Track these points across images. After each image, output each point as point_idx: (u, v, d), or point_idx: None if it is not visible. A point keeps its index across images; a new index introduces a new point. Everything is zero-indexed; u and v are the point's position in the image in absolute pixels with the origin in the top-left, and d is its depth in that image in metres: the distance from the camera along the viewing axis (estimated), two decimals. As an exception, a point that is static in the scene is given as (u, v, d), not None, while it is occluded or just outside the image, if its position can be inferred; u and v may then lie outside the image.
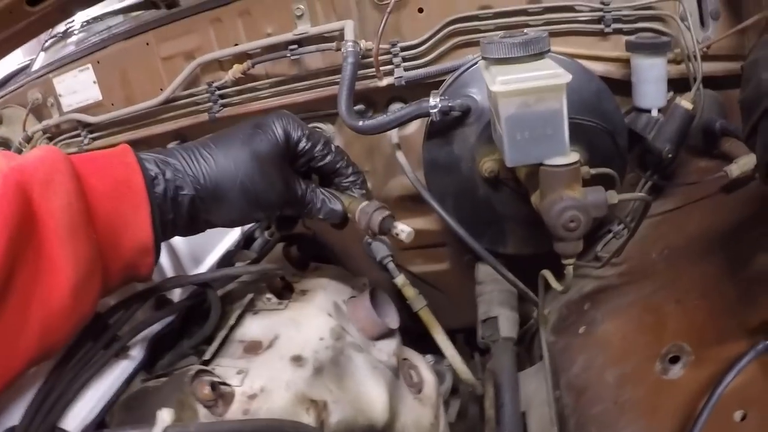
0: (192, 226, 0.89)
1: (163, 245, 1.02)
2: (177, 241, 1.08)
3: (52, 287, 0.66)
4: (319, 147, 0.96)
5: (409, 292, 1.29)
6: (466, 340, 1.79)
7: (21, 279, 0.64)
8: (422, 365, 1.26)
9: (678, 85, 1.23)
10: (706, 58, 1.21)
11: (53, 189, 0.67)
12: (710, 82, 1.23)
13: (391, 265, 1.30)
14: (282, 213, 0.96)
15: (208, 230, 1.14)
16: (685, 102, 1.19)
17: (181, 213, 0.84)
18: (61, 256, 0.67)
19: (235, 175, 0.86)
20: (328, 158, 0.97)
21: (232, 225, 0.92)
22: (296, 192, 0.94)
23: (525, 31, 0.98)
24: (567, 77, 0.84)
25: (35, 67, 1.93)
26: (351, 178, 1.00)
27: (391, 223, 0.98)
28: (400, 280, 1.30)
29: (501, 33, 1.00)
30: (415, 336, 1.55)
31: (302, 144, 0.94)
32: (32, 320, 0.65)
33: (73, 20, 2.01)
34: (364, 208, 0.97)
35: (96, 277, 0.73)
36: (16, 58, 2.71)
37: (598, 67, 1.22)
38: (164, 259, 1.04)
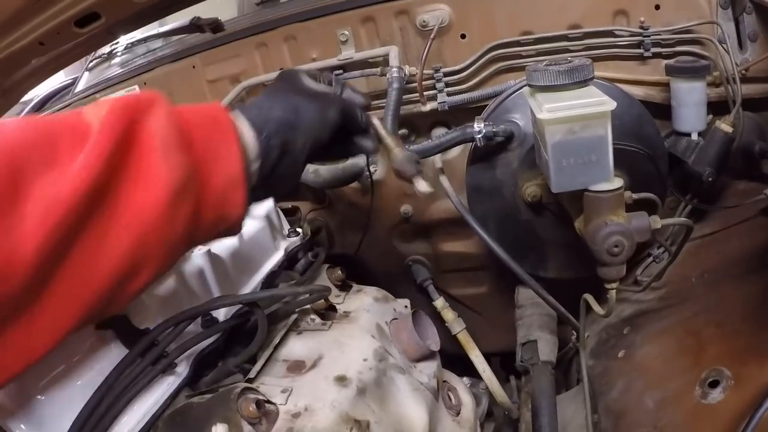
0: (276, 169, 0.88)
1: (209, 261, 1.05)
2: (225, 258, 1.10)
3: (149, 193, 0.70)
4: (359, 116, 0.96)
5: (448, 315, 1.30)
6: (501, 363, 1.80)
7: (121, 184, 0.68)
8: (461, 387, 1.26)
9: (717, 107, 1.23)
10: (744, 80, 1.21)
11: (152, 111, 0.74)
12: (749, 104, 1.24)
13: (431, 288, 1.32)
14: (338, 141, 0.95)
15: (253, 249, 1.17)
16: (724, 125, 1.19)
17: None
18: (158, 167, 0.71)
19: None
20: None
21: (313, 146, 0.90)
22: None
23: (568, 57, 0.99)
24: (612, 104, 0.85)
25: (80, 87, 1.98)
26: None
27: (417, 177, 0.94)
28: (440, 303, 1.31)
29: (544, 59, 1.01)
30: (449, 357, 1.56)
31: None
32: (126, 220, 0.69)
33: (118, 42, 2.06)
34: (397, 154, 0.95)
35: (190, 197, 0.75)
36: (57, 77, 2.78)
37: (638, 92, 1.23)
38: (211, 279, 1.06)
